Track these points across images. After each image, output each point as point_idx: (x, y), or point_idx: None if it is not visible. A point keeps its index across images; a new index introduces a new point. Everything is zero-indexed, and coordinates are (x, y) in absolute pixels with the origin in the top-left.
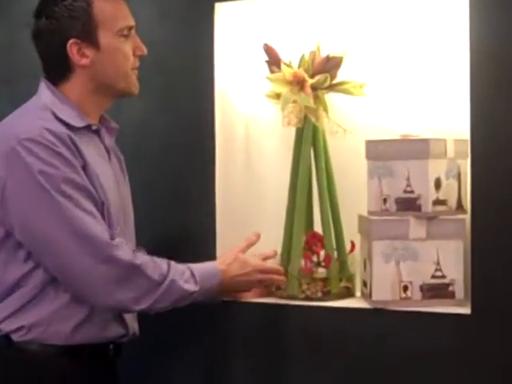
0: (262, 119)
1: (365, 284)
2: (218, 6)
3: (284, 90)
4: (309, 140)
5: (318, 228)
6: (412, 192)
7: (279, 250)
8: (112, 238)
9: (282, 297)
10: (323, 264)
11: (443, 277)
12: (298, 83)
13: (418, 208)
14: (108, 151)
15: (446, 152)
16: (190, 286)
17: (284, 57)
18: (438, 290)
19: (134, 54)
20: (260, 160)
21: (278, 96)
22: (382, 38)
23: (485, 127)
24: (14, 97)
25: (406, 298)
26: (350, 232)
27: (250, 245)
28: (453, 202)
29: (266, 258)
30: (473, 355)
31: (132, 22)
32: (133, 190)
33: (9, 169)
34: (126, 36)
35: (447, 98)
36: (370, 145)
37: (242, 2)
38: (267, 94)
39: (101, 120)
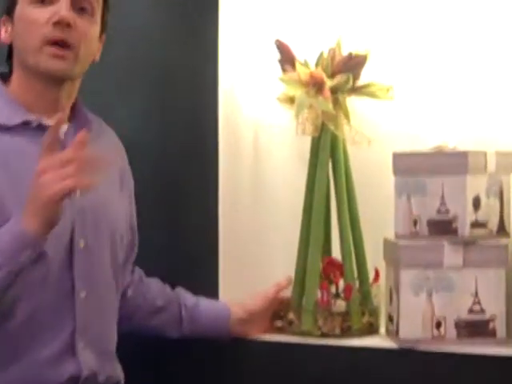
0: (272, 126)
1: (391, 319)
2: None
3: (299, 92)
4: (327, 151)
5: (336, 254)
6: (447, 212)
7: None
8: None
9: (294, 333)
10: (342, 296)
11: (482, 312)
12: (315, 85)
13: (454, 231)
14: None
15: (486, 166)
16: None
17: (299, 55)
18: (476, 327)
19: (49, 23)
20: (270, 174)
21: (291, 100)
22: (412, 34)
23: None
24: None
25: (439, 337)
26: (374, 259)
27: (279, 290)
28: (494, 224)
29: (280, 290)
30: None
31: None
32: None
33: None
34: (43, 2)
35: (488, 104)
36: (398, 158)
37: None
38: (279, 97)
39: (75, 114)
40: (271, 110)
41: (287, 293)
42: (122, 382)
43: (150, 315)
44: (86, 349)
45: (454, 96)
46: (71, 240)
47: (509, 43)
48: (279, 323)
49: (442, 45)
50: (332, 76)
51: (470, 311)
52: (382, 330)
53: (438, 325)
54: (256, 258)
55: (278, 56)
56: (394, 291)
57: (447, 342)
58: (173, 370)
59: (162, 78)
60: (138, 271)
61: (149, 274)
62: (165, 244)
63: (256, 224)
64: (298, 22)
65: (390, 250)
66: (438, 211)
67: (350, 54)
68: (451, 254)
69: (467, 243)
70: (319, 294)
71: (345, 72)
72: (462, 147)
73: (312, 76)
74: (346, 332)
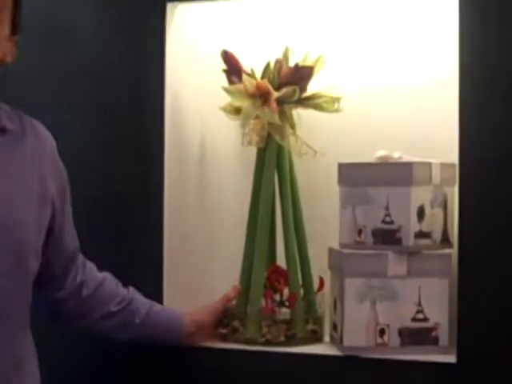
0: (218, 137)
1: (335, 327)
2: (170, 6)
3: (245, 103)
4: (272, 162)
5: (281, 262)
6: (391, 223)
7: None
8: None
9: (238, 341)
10: (287, 304)
11: (426, 320)
12: (262, 96)
13: (398, 241)
14: None
15: (431, 178)
16: None
17: (246, 65)
18: (419, 335)
19: None
20: (216, 185)
21: (237, 111)
22: (360, 44)
23: (476, 149)
24: None
25: (383, 344)
26: (319, 267)
27: (228, 301)
28: (438, 235)
29: (229, 301)
30: None
31: None
32: None
33: None
34: None
35: (433, 115)
36: (344, 168)
37: (198, 2)
38: (225, 107)
39: None
40: (217, 122)
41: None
42: None
43: (103, 319)
44: None
45: (400, 108)
46: None
47: (454, 58)
48: (223, 330)
49: (389, 56)
50: (279, 87)
51: (414, 320)
52: (327, 338)
53: (382, 332)
54: (201, 267)
55: (224, 66)
56: (338, 300)
57: (391, 349)
58: (116, 376)
59: (104, 85)
60: (90, 269)
61: None
62: (106, 257)
63: (201, 234)
64: (245, 33)
65: (335, 259)
66: (383, 221)
67: (297, 66)
68: (395, 264)
69: (411, 253)
70: (263, 302)
71: (291, 84)
72: (406, 158)
73: (258, 87)
74: (291, 340)
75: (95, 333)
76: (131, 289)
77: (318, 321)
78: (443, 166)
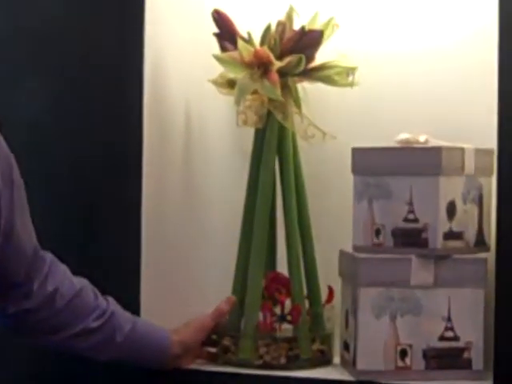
0: (207, 116)
1: (346, 347)
2: None
3: (240, 75)
4: (273, 146)
5: (282, 268)
6: (415, 221)
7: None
8: None
9: (230, 362)
10: (289, 318)
11: (456, 339)
12: (260, 66)
13: (424, 243)
14: None
15: (463, 166)
16: None
17: (242, 28)
18: (448, 358)
19: None
20: (204, 173)
21: (231, 84)
22: (378, 3)
23: None
24: None
25: (405, 368)
26: (328, 274)
27: (220, 316)
28: (471, 236)
29: (221, 317)
30: None
31: None
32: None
33: None
34: None
35: (466, 93)
36: (359, 154)
37: None
38: (216, 80)
39: None
40: (206, 96)
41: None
42: None
43: (79, 336)
44: None
45: (428, 83)
46: None
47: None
48: (212, 349)
49: (414, 20)
50: (281, 56)
51: (442, 338)
52: (337, 359)
53: (403, 354)
54: (186, 273)
55: (215, 30)
56: (350, 314)
57: (414, 374)
58: None
59: (75, 59)
60: (63, 274)
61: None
62: (79, 260)
63: (186, 232)
64: None
65: (347, 265)
66: (405, 219)
67: (303, 30)
68: (420, 271)
69: (439, 258)
70: (261, 317)
71: (296, 52)
72: (434, 143)
73: (257, 55)
74: (293, 362)
75: (67, 352)
76: (111, 300)
77: (327, 339)
78: (479, 152)
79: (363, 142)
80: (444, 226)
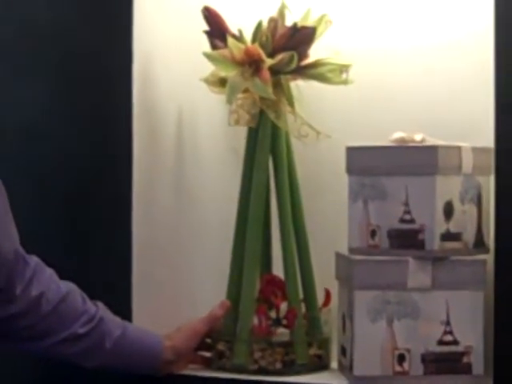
0: (199, 115)
1: (343, 352)
2: None
3: (231, 73)
4: (266, 146)
5: (278, 271)
6: (412, 222)
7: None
8: None
9: (224, 368)
10: (285, 322)
11: (455, 343)
12: (252, 64)
13: (421, 244)
14: None
15: (461, 165)
16: None
17: (233, 25)
18: (447, 362)
19: None
20: (196, 174)
21: (222, 82)
22: (375, 1)
23: None
24: None
25: (402, 373)
26: (325, 277)
27: (214, 322)
28: (470, 237)
29: (215, 322)
30: None
31: None
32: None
33: None
34: None
35: (463, 91)
36: (353, 153)
37: None
38: (207, 78)
39: None
40: (198, 94)
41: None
42: None
43: (66, 342)
44: None
45: (423, 80)
46: None
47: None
48: (206, 354)
49: (410, 14)
50: (273, 53)
51: (440, 342)
52: (334, 364)
53: (401, 359)
54: (178, 277)
55: (206, 27)
56: (347, 317)
57: (412, 379)
58: None
59: (64, 59)
60: (48, 278)
61: None
62: (67, 264)
63: (178, 236)
64: None
65: (343, 267)
66: (402, 220)
67: (295, 26)
68: (417, 273)
69: (437, 259)
70: (256, 320)
71: (288, 49)
72: (431, 141)
73: (247, 53)
74: (289, 367)
75: (54, 358)
76: (100, 305)
77: (324, 343)
78: (476, 150)
79: (358, 141)
80: (441, 226)
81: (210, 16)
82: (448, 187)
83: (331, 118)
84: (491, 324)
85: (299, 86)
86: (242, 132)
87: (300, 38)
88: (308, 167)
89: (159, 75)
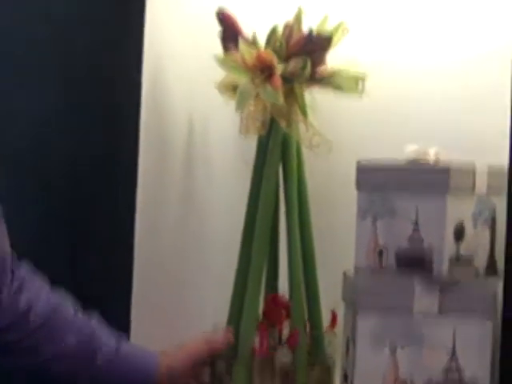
0: (210, 123)
1: (346, 378)
2: None
3: (242, 79)
4: (276, 156)
5: (282, 289)
6: (420, 243)
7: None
8: None
9: None
10: (287, 344)
11: (460, 373)
12: (264, 70)
13: (429, 267)
14: None
15: (474, 185)
16: None
17: (247, 29)
18: None
19: None
20: (205, 185)
21: (234, 88)
22: (391, 9)
23: None
24: None
25: None
26: (332, 298)
27: (217, 350)
28: (481, 261)
29: (218, 349)
30: None
31: None
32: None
33: None
34: None
35: (478, 107)
36: (363, 169)
37: None
38: (219, 84)
39: None
40: (210, 100)
41: None
42: None
43: (55, 359)
44: None
45: (439, 96)
46: None
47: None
48: (204, 374)
49: (427, 28)
50: (286, 59)
51: (445, 372)
52: None
53: None
54: (181, 292)
55: (219, 30)
56: (351, 342)
57: None
58: None
59: (71, 63)
60: (39, 288)
61: None
62: (66, 274)
63: (183, 250)
64: None
65: (348, 288)
66: (410, 240)
67: (311, 33)
68: (424, 298)
69: (445, 284)
70: (256, 342)
71: (303, 55)
72: (444, 160)
73: (260, 58)
74: None
75: (45, 376)
76: (94, 317)
77: (327, 367)
78: (492, 169)
79: (372, 154)
80: (451, 249)
81: (224, 18)
82: (460, 208)
83: (344, 129)
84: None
85: (314, 96)
86: (253, 142)
87: (315, 45)
88: (319, 180)
89: (170, 80)
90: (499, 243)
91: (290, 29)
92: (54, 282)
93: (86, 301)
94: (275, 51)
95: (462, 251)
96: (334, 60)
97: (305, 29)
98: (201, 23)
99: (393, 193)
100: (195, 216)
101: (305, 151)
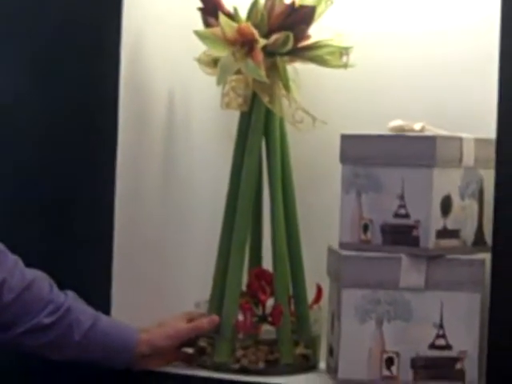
0: (191, 96)
1: (331, 352)
2: None
3: (223, 53)
4: (258, 131)
5: (267, 264)
6: (407, 216)
7: (207, 296)
8: None
9: (205, 366)
10: (270, 319)
11: (448, 347)
12: (245, 44)
13: (415, 241)
14: None
15: (461, 157)
16: None
17: (228, 3)
18: (438, 368)
19: None
20: (186, 159)
21: (216, 63)
22: None
23: None
24: None
25: (390, 378)
26: (317, 272)
27: (198, 332)
28: (469, 234)
29: (200, 332)
30: None
31: None
32: None
33: None
34: None
35: (467, 79)
36: (347, 141)
37: None
38: (200, 58)
39: None
40: (191, 75)
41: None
42: None
43: (30, 333)
44: None
45: (425, 65)
46: None
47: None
48: (188, 350)
49: None
50: (268, 33)
51: (432, 347)
52: (322, 364)
53: (390, 363)
54: (163, 269)
55: (199, 4)
56: (336, 316)
57: None
58: None
59: (46, 36)
60: (13, 264)
61: None
62: (43, 253)
63: (165, 226)
64: None
65: (333, 263)
66: (396, 214)
67: (293, 5)
68: (410, 271)
69: (432, 257)
70: (240, 316)
71: (285, 29)
72: (430, 130)
73: (241, 31)
74: (273, 367)
75: (19, 350)
76: (70, 293)
77: (312, 343)
78: (479, 141)
79: (356, 129)
80: (437, 222)
81: None
82: (446, 181)
83: (328, 103)
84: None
85: (296, 70)
86: (236, 115)
87: (298, 17)
88: (303, 155)
89: (150, 54)
90: (487, 216)
91: (271, 1)
92: (33, 256)
93: (65, 277)
94: (256, 25)
95: (449, 224)
96: (318, 33)
97: (287, 1)
98: None
99: (378, 165)
100: (177, 191)
101: (288, 125)
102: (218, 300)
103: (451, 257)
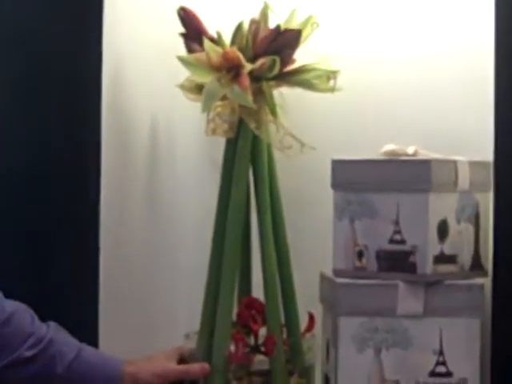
0: (175, 123)
1: (327, 382)
2: None
3: (207, 79)
4: (245, 158)
5: (258, 293)
6: (402, 242)
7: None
8: None
9: None
10: (263, 349)
11: (449, 374)
12: (230, 69)
13: (412, 267)
14: None
15: (456, 181)
16: None
17: (211, 28)
18: None
19: None
20: (171, 186)
21: (200, 88)
22: (367, 3)
23: None
24: None
25: None
26: (308, 300)
27: (186, 376)
28: (466, 259)
29: (188, 377)
30: None
31: None
32: None
33: None
34: None
35: (460, 102)
36: (339, 166)
37: None
38: (183, 84)
39: None
40: (173, 102)
41: (191, 343)
42: None
43: (11, 367)
44: None
45: (418, 88)
46: None
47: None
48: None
49: (405, 19)
50: (254, 58)
51: (433, 374)
52: None
53: None
54: (150, 299)
55: (182, 29)
56: (331, 344)
57: None
58: None
59: (28, 67)
60: None
61: None
62: (28, 282)
63: (150, 255)
64: None
65: (327, 290)
66: (391, 240)
67: (279, 28)
68: (408, 298)
69: (430, 284)
70: (232, 347)
71: (271, 53)
72: (424, 154)
73: (225, 57)
74: None
75: None
76: (52, 324)
77: (306, 372)
78: (474, 165)
79: (346, 154)
80: (434, 248)
81: (186, 17)
82: (442, 205)
83: (317, 128)
84: (488, 355)
85: (283, 94)
86: (221, 142)
87: (284, 41)
88: (292, 181)
89: (132, 80)
90: (483, 240)
91: (256, 25)
92: (15, 286)
93: (51, 307)
94: (241, 49)
95: (446, 249)
96: (304, 57)
97: (272, 24)
98: (164, 19)
99: (371, 191)
100: (162, 219)
101: (276, 151)
102: (208, 331)
103: (449, 282)
